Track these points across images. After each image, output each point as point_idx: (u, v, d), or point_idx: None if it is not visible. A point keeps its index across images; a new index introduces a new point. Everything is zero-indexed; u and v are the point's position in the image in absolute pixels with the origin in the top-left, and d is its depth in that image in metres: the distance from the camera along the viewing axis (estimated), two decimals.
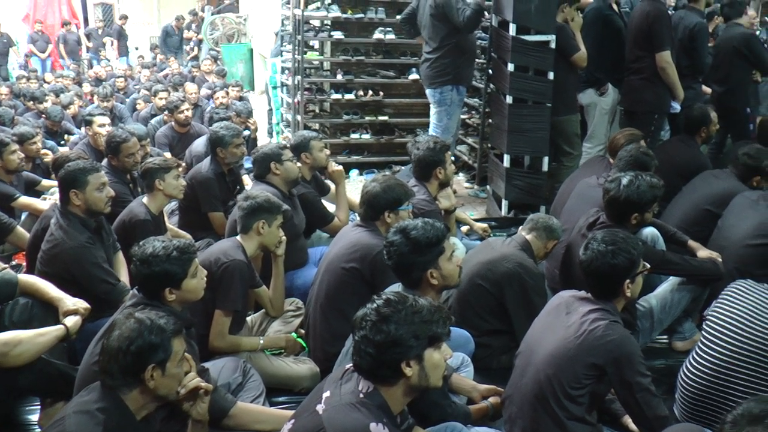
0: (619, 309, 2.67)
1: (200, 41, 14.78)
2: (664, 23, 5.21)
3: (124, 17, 16.31)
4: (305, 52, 7.11)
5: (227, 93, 8.47)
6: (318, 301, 3.33)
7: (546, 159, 5.43)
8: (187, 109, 6.56)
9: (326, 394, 2.05)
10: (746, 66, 5.83)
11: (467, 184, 6.76)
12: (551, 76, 5.26)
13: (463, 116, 6.85)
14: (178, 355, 2.17)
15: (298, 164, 4.29)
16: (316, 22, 7.22)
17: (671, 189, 4.56)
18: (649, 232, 3.78)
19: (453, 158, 6.81)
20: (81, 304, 3.01)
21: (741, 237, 3.74)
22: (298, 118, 7.14)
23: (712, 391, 2.80)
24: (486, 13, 5.83)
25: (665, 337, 3.88)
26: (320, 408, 1.99)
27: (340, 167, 4.64)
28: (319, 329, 3.31)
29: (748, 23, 6.92)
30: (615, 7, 5.66)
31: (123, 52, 15.95)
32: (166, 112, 6.93)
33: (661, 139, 5.64)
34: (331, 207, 4.60)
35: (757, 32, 7.92)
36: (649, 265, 2.80)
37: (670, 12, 5.83)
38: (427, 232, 2.68)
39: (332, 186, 4.71)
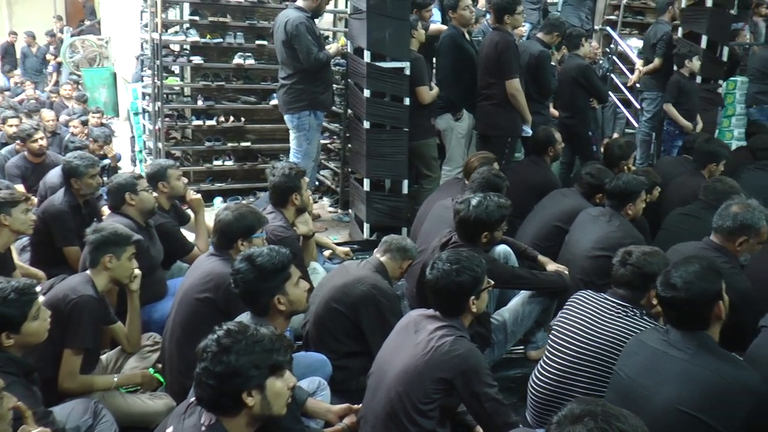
0: (466, 324, 2.76)
1: (59, 64, 14.07)
2: (512, 52, 5.47)
3: None
4: (165, 78, 6.98)
5: (81, 123, 8.11)
6: (173, 334, 3.24)
7: (405, 182, 5.54)
8: (42, 138, 6.18)
9: (169, 430, 2.01)
10: (584, 94, 6.25)
11: (330, 209, 6.80)
12: (407, 101, 5.38)
13: (324, 141, 6.91)
14: None
15: (155, 194, 4.20)
16: (175, 47, 7.10)
17: (525, 207, 4.82)
18: (501, 249, 3.97)
19: (316, 183, 6.93)
20: None
21: (584, 250, 3.98)
22: (160, 145, 6.95)
23: (557, 395, 2.94)
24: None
25: (521, 347, 4.05)
26: None
27: (199, 195, 4.57)
28: (176, 362, 3.22)
29: (590, 53, 7.42)
30: (467, 35, 5.88)
31: None
32: (18, 141, 6.55)
33: (515, 161, 5.91)
34: (191, 236, 4.51)
35: (600, 61, 8.50)
36: (493, 282, 2.92)
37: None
38: (272, 258, 2.69)
39: (192, 215, 4.64)
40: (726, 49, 6.96)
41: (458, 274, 2.68)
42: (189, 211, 4.68)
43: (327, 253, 4.98)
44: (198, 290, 3.19)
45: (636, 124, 8.12)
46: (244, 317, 2.70)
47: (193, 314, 3.16)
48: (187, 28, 6.96)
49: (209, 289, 3.16)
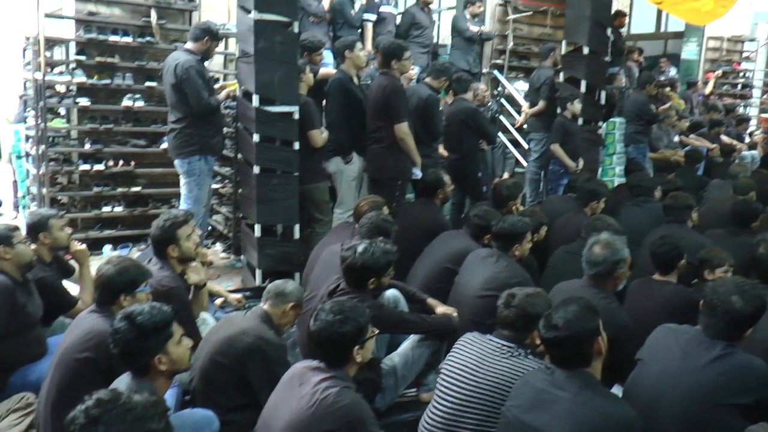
0: (351, 374, 2.78)
1: None
2: (400, 96, 5.58)
3: None
4: (50, 120, 6.71)
5: None
6: (49, 397, 3.06)
7: (297, 227, 5.51)
8: None
9: None
10: (473, 136, 6.45)
11: (223, 255, 6.68)
12: (297, 145, 5.38)
13: (216, 186, 6.82)
14: None
15: (34, 246, 4.02)
16: (60, 88, 6.84)
17: (416, 249, 4.90)
18: (390, 294, 4.02)
19: (209, 228, 6.82)
20: None
21: (473, 291, 4.07)
22: (44, 191, 6.64)
23: None
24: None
25: (414, 390, 4.07)
26: None
27: (83, 246, 4.39)
28: (50, 429, 3.05)
29: (480, 97, 7.69)
30: (356, 79, 5.95)
31: None
32: None
33: (406, 203, 6.00)
34: (76, 289, 4.33)
35: (489, 104, 8.81)
36: (378, 329, 2.95)
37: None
38: (153, 317, 2.62)
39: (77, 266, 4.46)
40: (603, 93, 7.35)
41: (341, 324, 2.70)
42: (74, 262, 4.51)
43: (219, 301, 4.89)
44: (77, 350, 3.04)
45: (525, 164, 8.43)
46: (124, 378, 2.62)
47: (71, 376, 3.01)
48: (73, 68, 6.74)
49: (89, 348, 3.02)
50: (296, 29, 5.30)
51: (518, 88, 9.61)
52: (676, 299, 3.83)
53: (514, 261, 4.22)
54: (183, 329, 2.78)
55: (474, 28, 8.86)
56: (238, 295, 4.98)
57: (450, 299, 4.23)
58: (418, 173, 5.76)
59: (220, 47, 6.99)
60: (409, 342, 3.90)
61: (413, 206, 5.65)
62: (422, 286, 4.46)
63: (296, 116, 5.32)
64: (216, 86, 6.04)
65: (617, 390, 3.41)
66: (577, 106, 7.04)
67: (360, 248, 3.59)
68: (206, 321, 4.17)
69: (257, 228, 5.40)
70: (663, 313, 3.68)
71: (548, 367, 2.71)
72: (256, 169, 5.31)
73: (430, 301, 4.15)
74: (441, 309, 4.06)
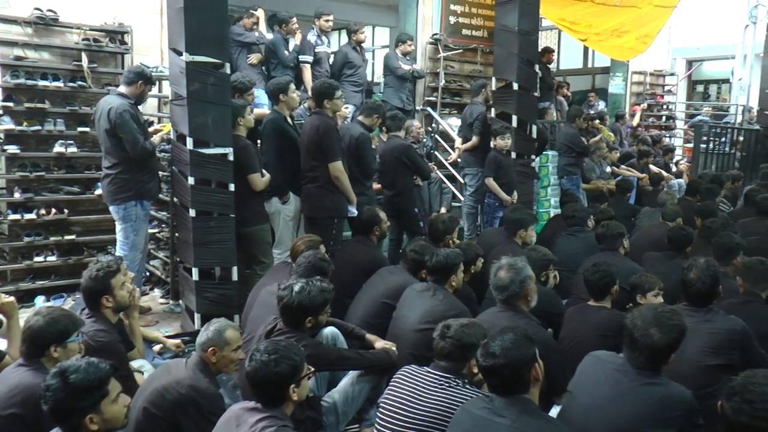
0: (288, 413, 2.78)
1: None
2: (333, 136, 5.64)
3: None
4: None
5: None
6: None
7: (235, 269, 5.45)
8: None
9: None
10: (408, 172, 6.55)
11: (162, 300, 6.55)
12: (232, 187, 5.32)
13: (153, 230, 6.73)
14: None
15: None
16: None
17: (354, 286, 4.92)
18: (329, 331, 4.04)
19: (147, 274, 6.71)
20: None
21: (411, 325, 4.10)
22: None
23: None
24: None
25: (356, 426, 4.06)
26: None
27: (12, 299, 4.24)
28: None
29: (415, 133, 7.83)
30: (290, 119, 5.99)
31: None
32: None
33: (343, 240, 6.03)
34: (3, 344, 4.19)
35: (424, 140, 8.96)
36: (313, 368, 2.95)
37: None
38: (89, 375, 2.52)
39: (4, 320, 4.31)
40: (534, 127, 7.55)
41: (276, 364, 2.71)
42: (1, 316, 4.36)
43: (157, 347, 4.80)
44: (2, 406, 2.91)
45: (462, 198, 8.56)
46: None
47: None
48: (1, 115, 6.60)
49: (16, 404, 2.90)
50: (228, 70, 5.29)
51: (451, 124, 9.81)
52: (610, 323, 3.91)
53: (450, 293, 4.28)
54: (121, 385, 2.69)
55: (406, 67, 9.04)
56: (177, 341, 4.90)
57: (388, 334, 4.26)
58: (353, 211, 5.79)
59: (154, 90, 6.95)
60: (348, 378, 3.91)
61: (350, 244, 5.67)
62: (361, 322, 4.48)
63: (231, 158, 5.29)
64: (150, 129, 6.01)
65: (555, 410, 3.48)
66: (500, 142, 7.17)
67: (296, 287, 3.60)
68: (143, 366, 4.09)
69: (194, 272, 5.32)
70: (598, 336, 3.78)
71: (488, 395, 2.75)
72: (191, 212, 5.24)
73: (369, 336, 4.18)
74: (380, 344, 4.08)
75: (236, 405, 2.83)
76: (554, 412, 3.39)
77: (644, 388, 2.88)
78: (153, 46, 7.62)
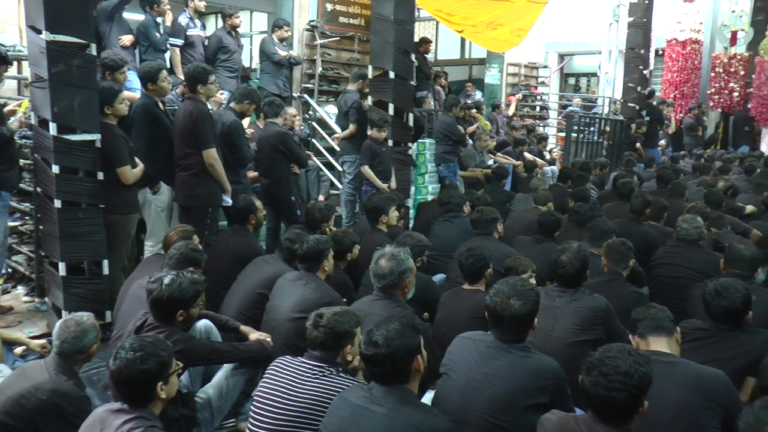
0: (156, 412, 2.68)
1: None
2: (207, 122, 5.47)
3: None
4: None
5: None
6: None
7: (106, 262, 5.20)
8: None
9: None
10: (285, 160, 6.47)
11: (26, 298, 6.11)
12: (101, 176, 5.09)
13: (14, 223, 6.32)
14: None
15: None
16: None
17: (230, 276, 4.83)
18: (202, 324, 3.94)
19: (9, 270, 6.31)
20: None
21: (285, 314, 4.06)
22: None
23: None
24: None
25: (232, 420, 4.00)
26: None
27: None
28: None
29: (290, 121, 7.73)
30: (161, 105, 5.77)
31: None
32: None
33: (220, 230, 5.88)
34: None
35: (302, 127, 8.88)
36: (182, 364, 2.86)
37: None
38: None
39: None
40: (411, 115, 7.63)
41: (143, 361, 2.60)
42: None
43: (19, 350, 4.50)
44: None
45: (340, 186, 8.55)
46: None
47: None
48: None
49: None
50: (94, 51, 5.02)
51: (329, 112, 9.77)
52: (484, 306, 4.01)
53: (322, 281, 4.27)
54: None
55: (282, 53, 8.92)
56: (43, 341, 4.58)
57: (263, 325, 4.21)
58: (228, 200, 5.66)
59: (12, 71, 6.51)
60: (222, 372, 3.82)
61: (226, 234, 5.54)
62: (237, 314, 4.41)
63: (99, 144, 5.03)
64: (6, 109, 5.62)
65: (429, 396, 3.54)
66: (375, 133, 7.20)
67: (166, 280, 3.48)
68: (2, 372, 3.83)
69: (62, 266, 5.03)
70: (473, 319, 3.85)
71: (366, 383, 2.77)
72: (57, 203, 4.94)
73: (243, 328, 4.11)
74: (254, 335, 4.02)
75: (100, 408, 2.69)
76: (427, 397, 3.45)
77: (517, 360, 2.99)
78: (10, 22, 7.16)
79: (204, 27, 8.53)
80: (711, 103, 15.47)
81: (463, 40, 16.22)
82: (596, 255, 4.83)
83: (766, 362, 3.31)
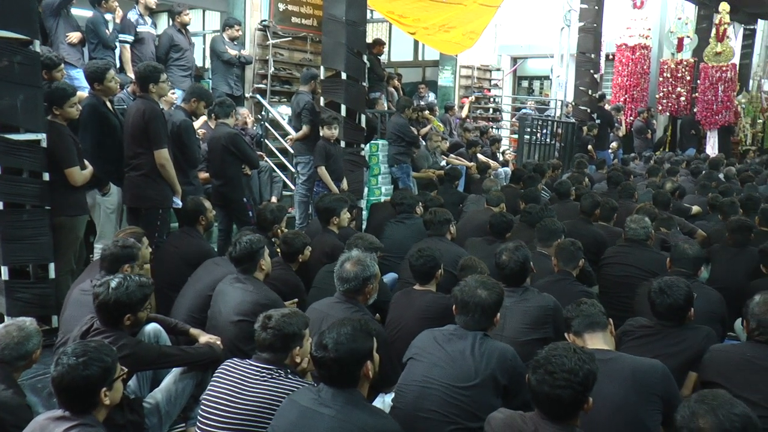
0: (100, 419, 2.62)
1: None
2: (160, 121, 5.38)
3: None
4: None
5: None
6: None
7: (52, 266, 5.04)
8: None
9: None
10: (236, 161, 6.41)
11: None
12: (47, 176, 4.93)
13: None
14: None
15: None
16: None
17: (180, 279, 4.76)
18: (152, 328, 3.88)
19: None
20: None
21: (227, 317, 4.03)
22: None
23: None
24: None
25: (181, 425, 3.94)
26: None
27: None
28: None
29: (242, 121, 7.66)
30: (109, 104, 5.66)
31: None
32: None
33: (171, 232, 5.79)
34: None
35: (254, 128, 8.81)
36: (126, 369, 2.80)
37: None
38: None
39: None
40: (363, 117, 7.63)
41: (86, 367, 2.55)
42: None
43: None
44: None
45: (293, 187, 8.51)
46: None
47: None
48: None
49: None
50: (38, 48, 4.89)
51: (282, 113, 9.72)
52: (434, 306, 4.04)
53: (260, 282, 4.22)
54: None
55: (232, 52, 8.85)
56: None
57: (208, 328, 4.15)
58: (178, 202, 5.57)
59: None
60: (171, 376, 3.75)
61: (175, 235, 5.46)
62: (187, 317, 4.35)
63: (44, 144, 4.88)
64: None
65: (381, 399, 3.54)
66: (327, 131, 7.18)
67: (113, 283, 3.41)
68: None
69: (4, 270, 4.86)
70: (423, 319, 3.88)
71: (315, 385, 2.77)
72: (0, 205, 4.83)
73: (193, 331, 4.04)
74: (204, 338, 3.95)
75: (41, 416, 2.62)
76: (379, 401, 3.45)
77: (479, 344, 3.13)
78: None
79: (155, 25, 8.41)
80: (659, 107, 15.87)
81: (416, 42, 16.29)
82: (546, 255, 4.90)
83: (707, 357, 3.40)
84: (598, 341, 3.15)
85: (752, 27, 17.38)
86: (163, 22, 11.87)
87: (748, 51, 17.40)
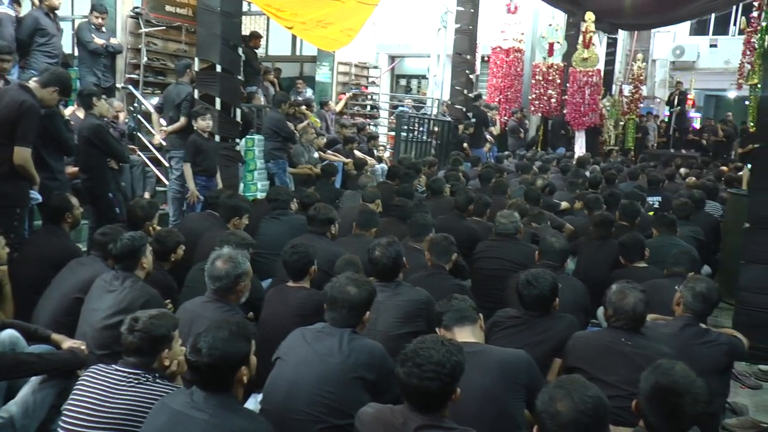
0: None
1: None
2: (35, 118, 5.05)
3: None
4: None
5: None
6: None
7: None
8: None
9: None
10: (100, 154, 6.13)
11: None
12: None
13: None
14: None
15: None
16: None
17: (44, 281, 4.48)
18: (8, 335, 3.69)
19: None
20: None
21: (99, 319, 3.83)
22: None
23: None
24: None
25: None
26: None
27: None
28: None
29: (113, 113, 7.32)
30: None
31: None
32: None
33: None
34: None
35: (126, 120, 8.46)
36: None
37: None
38: None
39: None
40: (239, 111, 7.48)
41: None
42: None
43: None
44: None
45: (167, 182, 8.23)
46: None
47: None
48: None
49: None
50: None
51: (155, 104, 9.38)
52: (308, 303, 4.00)
53: (139, 280, 4.06)
54: None
55: (99, 41, 8.47)
56: None
57: (77, 331, 3.94)
58: (36, 196, 5.26)
59: None
60: (29, 386, 3.49)
61: (38, 234, 5.15)
62: (51, 321, 4.09)
63: None
64: None
65: (253, 399, 3.47)
66: (201, 123, 7.00)
67: None
68: None
69: None
70: (297, 316, 3.84)
71: (184, 389, 2.69)
72: None
73: (55, 336, 3.80)
74: (68, 344, 3.72)
75: None
76: (252, 402, 3.38)
77: (348, 341, 3.15)
78: None
79: (13, 4, 7.87)
80: (532, 108, 16.61)
81: (294, 37, 16.14)
82: (419, 249, 4.96)
83: (570, 344, 3.57)
84: (467, 335, 3.22)
85: (614, 36, 18.81)
86: (27, 4, 11.16)
87: (611, 58, 18.88)
